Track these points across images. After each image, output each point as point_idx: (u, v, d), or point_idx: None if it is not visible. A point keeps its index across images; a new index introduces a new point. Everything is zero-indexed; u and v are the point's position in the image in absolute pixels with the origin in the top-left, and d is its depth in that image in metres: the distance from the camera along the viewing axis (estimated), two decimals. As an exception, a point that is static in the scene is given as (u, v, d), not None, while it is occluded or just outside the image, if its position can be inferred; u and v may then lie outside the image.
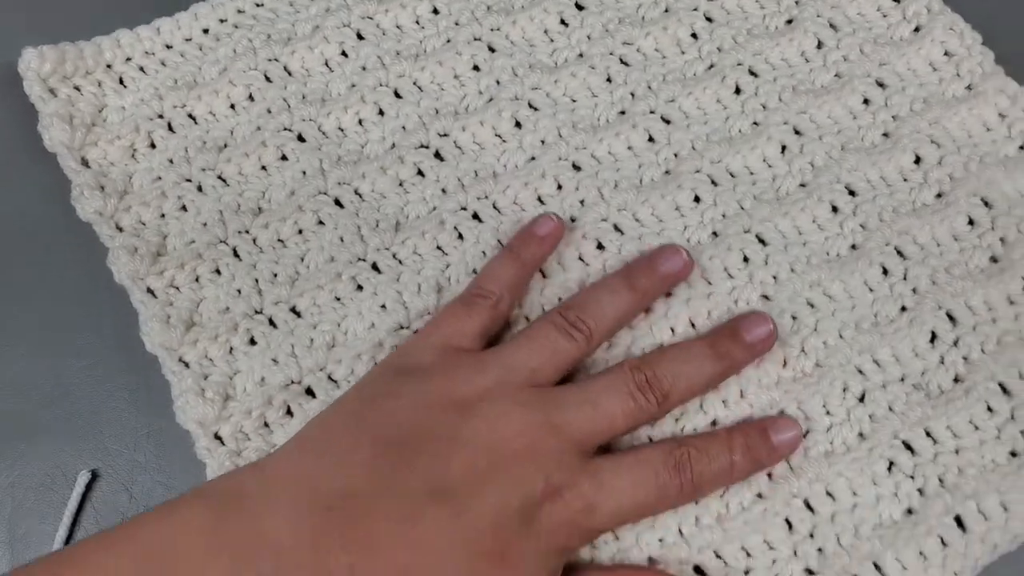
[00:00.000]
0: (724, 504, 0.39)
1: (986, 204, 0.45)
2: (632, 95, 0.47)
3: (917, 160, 0.46)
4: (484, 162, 0.45)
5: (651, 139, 0.46)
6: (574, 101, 0.47)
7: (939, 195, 0.45)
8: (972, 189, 0.45)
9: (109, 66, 0.47)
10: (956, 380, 0.42)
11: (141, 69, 0.47)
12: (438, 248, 0.44)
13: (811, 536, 0.39)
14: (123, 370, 0.42)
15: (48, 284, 0.44)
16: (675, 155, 0.46)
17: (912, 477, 0.40)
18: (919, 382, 0.42)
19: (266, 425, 0.40)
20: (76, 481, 0.40)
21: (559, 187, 0.45)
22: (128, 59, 0.48)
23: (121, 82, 0.47)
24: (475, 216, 0.45)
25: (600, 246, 0.44)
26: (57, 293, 0.44)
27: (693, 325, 0.42)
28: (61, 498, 0.40)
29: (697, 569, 0.38)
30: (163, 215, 0.44)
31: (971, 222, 0.45)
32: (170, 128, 0.46)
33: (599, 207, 0.45)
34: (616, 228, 0.44)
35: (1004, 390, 0.42)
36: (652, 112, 0.47)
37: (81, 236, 0.44)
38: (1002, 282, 0.43)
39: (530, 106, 0.47)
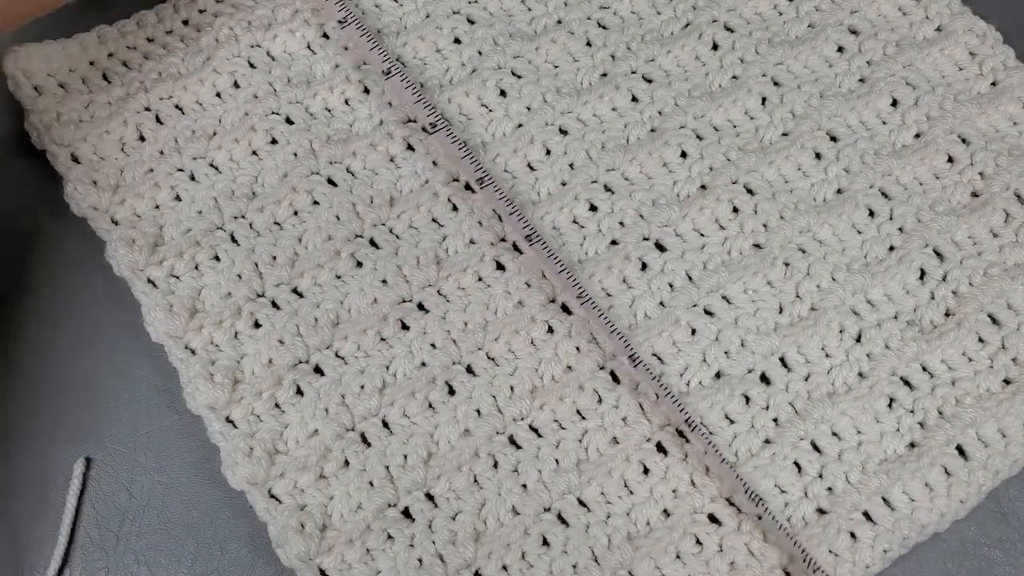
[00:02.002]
0: (733, 452, 0.38)
1: (963, 141, 0.44)
2: (612, 57, 0.45)
3: (894, 103, 0.45)
4: (472, 132, 0.43)
5: (634, 99, 0.44)
6: (556, 67, 0.45)
7: (918, 135, 0.44)
8: (949, 127, 0.44)
9: (92, 63, 0.45)
10: (947, 314, 0.41)
11: (124, 64, 0.45)
12: (434, 220, 0.42)
13: (820, 476, 0.38)
14: (124, 370, 0.40)
15: (48, 284, 0.42)
16: (659, 113, 0.44)
17: (912, 411, 0.39)
18: (912, 318, 0.40)
19: (277, 406, 0.38)
20: (73, 472, 0.38)
21: (548, 152, 0.43)
22: (111, 55, 0.45)
23: (105, 78, 0.45)
24: (468, 187, 0.43)
25: (593, 207, 0.42)
26: (56, 292, 0.42)
27: (690, 278, 0.41)
28: (61, 497, 0.38)
29: (711, 517, 0.37)
30: (158, 206, 0.42)
31: (950, 159, 0.43)
32: (158, 120, 0.43)
33: (589, 169, 0.43)
34: (607, 188, 0.43)
35: (993, 320, 0.41)
36: (633, 72, 0.45)
37: (76, 233, 0.42)
38: (984, 216, 0.42)
39: (513, 74, 0.45)
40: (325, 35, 0.46)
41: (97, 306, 0.42)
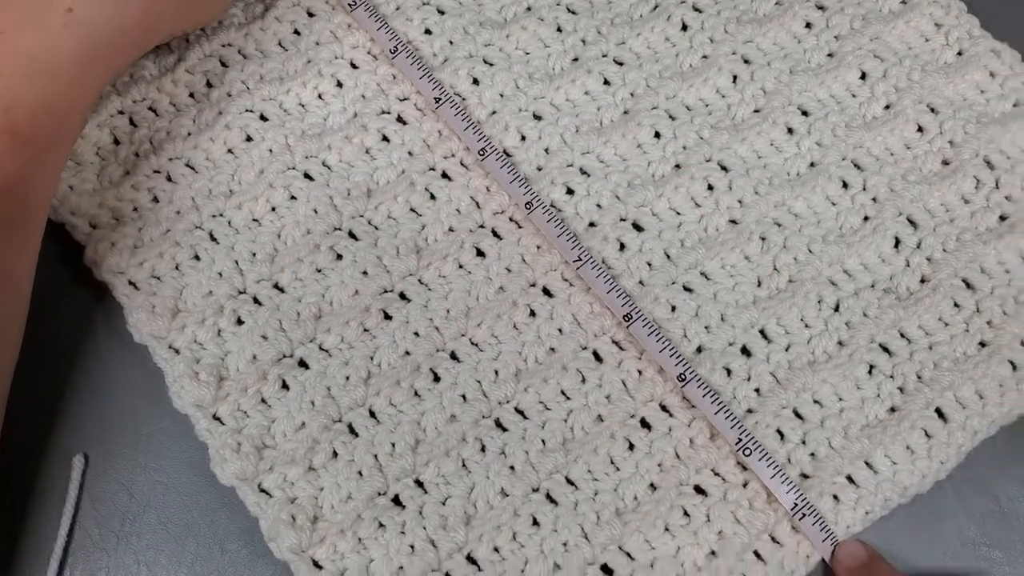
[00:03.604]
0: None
1: (932, 111, 0.43)
2: (583, 41, 0.45)
3: (863, 76, 0.44)
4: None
5: (606, 82, 0.44)
6: (527, 53, 0.45)
7: (887, 107, 0.44)
8: (917, 97, 0.44)
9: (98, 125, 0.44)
10: (923, 280, 0.41)
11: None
12: (412, 210, 0.41)
13: (803, 443, 0.38)
14: (123, 370, 0.40)
15: (47, 284, 0.41)
16: (631, 95, 0.44)
17: (892, 377, 0.39)
18: (889, 286, 0.40)
19: (263, 401, 0.38)
20: (72, 467, 0.38)
21: (523, 138, 0.43)
22: (120, 112, 0.44)
23: (116, 141, 0.43)
24: (444, 175, 0.42)
25: (569, 191, 0.42)
26: (56, 293, 0.41)
27: (668, 257, 0.41)
28: (61, 498, 0.38)
29: (697, 488, 0.37)
30: (135, 208, 0.41)
31: (920, 129, 0.43)
32: (132, 123, 0.43)
33: (564, 153, 0.42)
34: (583, 171, 0.42)
35: (968, 285, 0.40)
36: (604, 56, 0.44)
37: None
38: (955, 183, 0.42)
39: (485, 62, 0.44)
40: (296, 31, 0.45)
41: (97, 306, 0.41)
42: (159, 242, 0.40)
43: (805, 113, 0.43)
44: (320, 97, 0.44)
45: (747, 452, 0.37)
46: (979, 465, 0.39)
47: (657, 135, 0.43)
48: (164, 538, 0.38)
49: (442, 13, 0.45)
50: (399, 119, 0.43)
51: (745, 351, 0.39)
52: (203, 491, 0.38)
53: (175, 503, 0.38)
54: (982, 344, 0.39)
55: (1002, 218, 0.42)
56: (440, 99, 0.43)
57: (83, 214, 0.40)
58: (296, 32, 0.45)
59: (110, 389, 0.40)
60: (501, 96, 0.44)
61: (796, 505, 0.36)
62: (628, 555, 0.36)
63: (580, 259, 0.40)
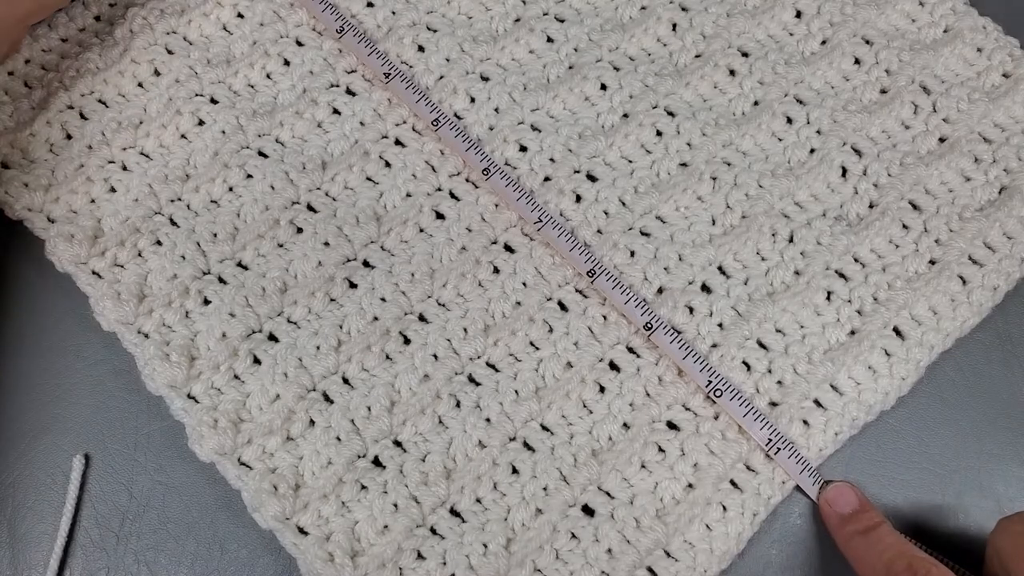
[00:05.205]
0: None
1: (867, 42, 0.44)
2: (523, 2, 0.45)
3: (798, 14, 0.45)
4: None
5: (549, 39, 0.44)
6: (470, 18, 0.44)
7: (824, 42, 0.44)
8: (852, 31, 0.44)
9: (11, 73, 0.43)
10: (871, 206, 0.41)
11: (43, 67, 0.43)
12: (368, 179, 0.41)
13: (769, 372, 0.38)
14: (123, 370, 0.39)
15: (47, 284, 0.40)
16: (575, 49, 0.44)
17: (849, 301, 0.39)
18: (839, 214, 0.41)
19: (236, 377, 0.37)
20: (72, 467, 0.37)
21: (472, 100, 0.43)
22: (27, 61, 0.43)
23: (26, 84, 0.43)
24: (398, 142, 0.42)
25: (522, 148, 0.42)
26: (56, 293, 0.40)
27: (623, 204, 0.41)
28: (61, 498, 0.37)
29: (670, 424, 0.37)
30: (93, 200, 0.40)
31: (857, 61, 0.43)
32: (82, 116, 0.42)
33: (514, 111, 0.42)
34: (533, 127, 0.42)
35: (914, 207, 0.41)
36: (545, 14, 0.44)
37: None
38: (894, 110, 0.42)
39: (428, 28, 0.44)
40: (240, 15, 0.44)
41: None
42: (119, 230, 0.39)
43: (745, 54, 0.43)
44: (268, 76, 0.43)
45: (718, 393, 0.37)
46: (979, 465, 0.38)
47: (603, 87, 0.43)
48: (164, 538, 0.37)
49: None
50: (348, 91, 0.43)
51: (705, 288, 0.39)
52: (203, 491, 0.37)
53: (175, 503, 0.37)
54: (932, 262, 0.40)
55: (941, 140, 0.42)
56: (390, 74, 0.42)
57: (38, 209, 0.40)
58: (239, 15, 0.44)
59: (110, 389, 0.39)
60: (447, 60, 0.43)
61: (771, 440, 0.36)
62: (608, 494, 0.36)
63: (540, 220, 0.40)
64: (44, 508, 0.37)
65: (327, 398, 0.37)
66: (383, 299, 0.39)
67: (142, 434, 0.38)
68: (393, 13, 0.44)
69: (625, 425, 0.37)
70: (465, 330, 0.38)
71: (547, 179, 0.41)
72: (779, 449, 0.36)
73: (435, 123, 0.41)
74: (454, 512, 0.36)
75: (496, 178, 0.40)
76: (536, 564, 0.35)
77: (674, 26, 0.44)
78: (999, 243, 0.40)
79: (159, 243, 0.39)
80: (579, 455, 0.36)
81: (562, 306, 0.39)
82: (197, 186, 0.40)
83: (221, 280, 0.39)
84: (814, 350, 0.38)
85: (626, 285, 0.39)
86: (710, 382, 0.37)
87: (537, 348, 0.38)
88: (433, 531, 0.35)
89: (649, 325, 0.38)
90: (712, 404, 0.37)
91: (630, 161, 0.42)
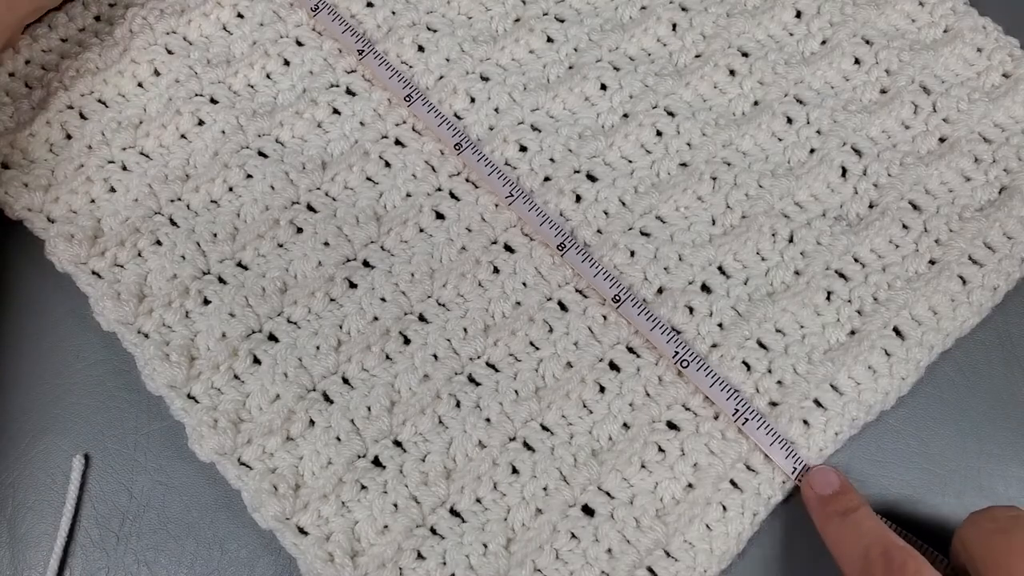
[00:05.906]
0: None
1: (867, 42, 0.43)
2: (523, 2, 0.44)
3: (798, 14, 0.44)
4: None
5: (549, 39, 0.44)
6: (470, 18, 0.44)
7: (824, 42, 0.44)
8: (851, 31, 0.44)
9: (12, 74, 0.43)
10: (871, 206, 0.41)
11: (43, 67, 0.43)
12: (368, 179, 0.41)
13: (769, 371, 0.38)
14: (123, 370, 0.39)
15: (47, 284, 0.40)
16: (575, 49, 0.43)
17: (849, 301, 0.39)
18: (839, 214, 0.40)
19: (236, 377, 0.37)
20: (71, 467, 0.37)
21: (472, 100, 0.42)
22: (28, 61, 0.43)
23: (27, 85, 0.43)
24: (398, 142, 0.42)
25: (522, 148, 0.42)
26: (56, 293, 0.40)
27: (623, 204, 0.40)
28: (61, 498, 0.37)
29: (670, 424, 0.37)
30: (93, 200, 0.40)
31: (857, 61, 0.43)
32: (82, 116, 0.42)
33: (514, 111, 0.42)
34: (533, 127, 0.42)
35: (914, 206, 0.41)
36: (545, 14, 0.44)
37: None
38: (894, 109, 0.42)
39: (428, 28, 0.44)
40: (240, 15, 0.44)
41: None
42: (119, 230, 0.39)
43: (745, 54, 0.43)
44: (268, 76, 0.43)
45: (684, 364, 0.37)
46: (979, 465, 0.38)
47: (603, 87, 0.43)
48: (164, 538, 0.37)
49: (381, -12, 0.44)
50: (348, 91, 0.42)
51: (705, 288, 0.39)
52: (203, 491, 0.37)
53: (175, 503, 0.37)
54: (932, 262, 0.40)
55: (941, 140, 0.42)
56: (363, 51, 0.42)
57: (38, 209, 0.39)
58: (239, 15, 0.44)
59: (110, 389, 0.39)
60: (447, 61, 0.43)
61: (737, 410, 0.36)
62: (607, 494, 0.36)
63: (511, 195, 0.40)
64: (44, 508, 0.37)
65: (327, 398, 0.37)
66: (383, 299, 0.39)
67: (142, 434, 0.38)
68: (393, 13, 0.44)
69: (625, 425, 0.37)
70: (465, 330, 0.38)
71: (547, 179, 0.41)
72: (747, 419, 0.36)
73: (407, 99, 0.41)
74: (454, 512, 0.36)
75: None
76: (536, 564, 0.35)
77: (674, 26, 0.44)
78: (999, 243, 0.39)
79: (159, 243, 0.39)
80: (579, 455, 0.36)
81: (562, 306, 0.39)
82: (197, 186, 0.40)
83: (221, 280, 0.39)
84: (814, 350, 0.38)
85: (595, 258, 0.39)
86: (676, 352, 0.37)
87: (537, 348, 0.38)
88: (433, 531, 0.35)
89: (617, 297, 0.38)
90: (712, 404, 0.37)
91: (630, 161, 0.41)
